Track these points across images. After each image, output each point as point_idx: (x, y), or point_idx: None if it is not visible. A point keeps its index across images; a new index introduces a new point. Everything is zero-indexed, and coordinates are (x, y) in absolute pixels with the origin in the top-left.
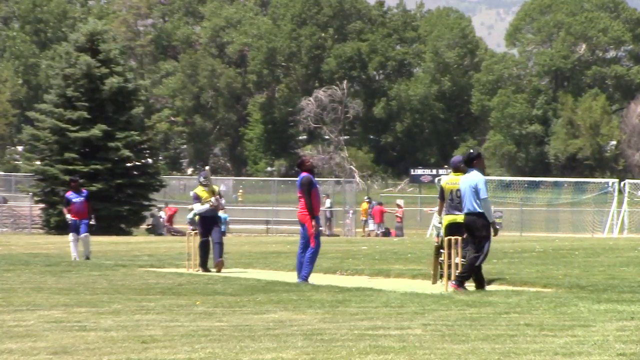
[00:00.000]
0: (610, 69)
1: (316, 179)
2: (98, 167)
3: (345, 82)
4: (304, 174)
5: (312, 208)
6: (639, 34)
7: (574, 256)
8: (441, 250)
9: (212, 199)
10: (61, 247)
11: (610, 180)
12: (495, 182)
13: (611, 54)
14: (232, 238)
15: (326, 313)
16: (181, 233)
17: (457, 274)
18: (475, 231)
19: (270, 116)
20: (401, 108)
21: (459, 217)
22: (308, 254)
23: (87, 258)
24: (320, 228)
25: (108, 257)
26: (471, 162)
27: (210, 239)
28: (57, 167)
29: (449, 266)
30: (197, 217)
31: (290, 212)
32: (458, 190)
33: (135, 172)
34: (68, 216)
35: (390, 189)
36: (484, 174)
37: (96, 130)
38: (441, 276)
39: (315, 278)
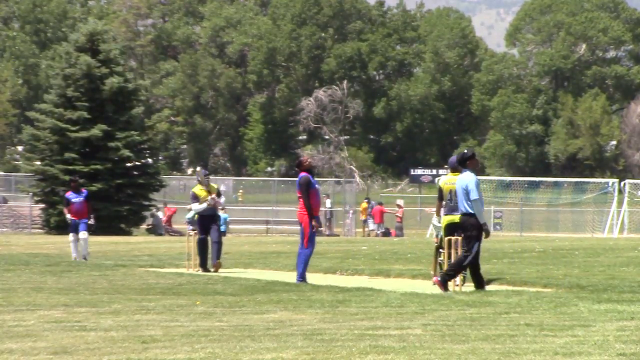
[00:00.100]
0: (610, 69)
1: (316, 179)
2: (98, 167)
3: (345, 82)
4: (302, 174)
5: (310, 208)
6: (639, 34)
7: (574, 256)
8: (441, 250)
9: (209, 197)
10: (61, 247)
11: (610, 180)
12: (495, 182)
13: (611, 54)
14: (232, 238)
15: (326, 313)
16: (179, 233)
17: (444, 271)
18: (465, 231)
19: (270, 116)
20: (401, 108)
21: (458, 217)
22: (301, 255)
23: (84, 258)
24: (321, 228)
25: (108, 257)
26: (464, 163)
27: (209, 237)
28: (57, 167)
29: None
30: (196, 216)
31: (290, 212)
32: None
33: (135, 172)
34: (68, 216)
35: (390, 189)
36: (477, 174)
37: (96, 130)
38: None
39: (315, 278)
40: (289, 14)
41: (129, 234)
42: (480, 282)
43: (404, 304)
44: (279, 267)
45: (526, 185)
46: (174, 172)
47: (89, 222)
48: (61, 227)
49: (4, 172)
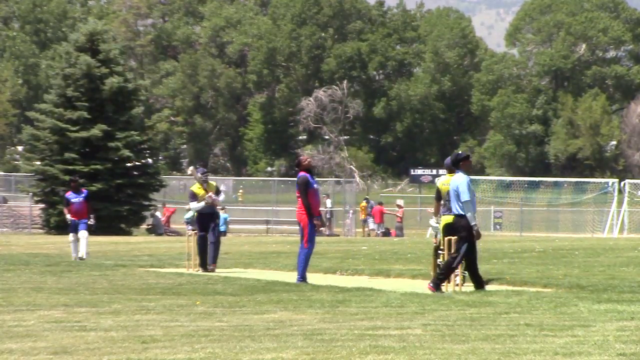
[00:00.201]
0: (610, 69)
1: (316, 179)
2: (98, 167)
3: (345, 82)
4: (301, 174)
5: (309, 207)
6: (639, 34)
7: (574, 256)
8: (439, 251)
9: (207, 195)
10: (61, 247)
11: (610, 180)
12: (495, 182)
13: (611, 54)
14: (232, 238)
15: (326, 313)
16: (177, 233)
17: (435, 275)
18: (456, 232)
19: (270, 116)
20: (401, 108)
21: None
22: (301, 255)
23: (81, 258)
24: (322, 228)
25: (108, 257)
26: (458, 164)
27: (208, 236)
28: (57, 167)
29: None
30: (195, 214)
31: (290, 212)
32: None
33: (135, 172)
34: (68, 216)
35: (390, 189)
36: (470, 175)
37: (96, 130)
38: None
39: (315, 278)
40: (289, 14)
41: (129, 234)
42: (479, 282)
43: (404, 304)
44: (279, 267)
45: (526, 185)
46: (174, 172)
47: (89, 222)
48: (61, 227)
49: (4, 172)
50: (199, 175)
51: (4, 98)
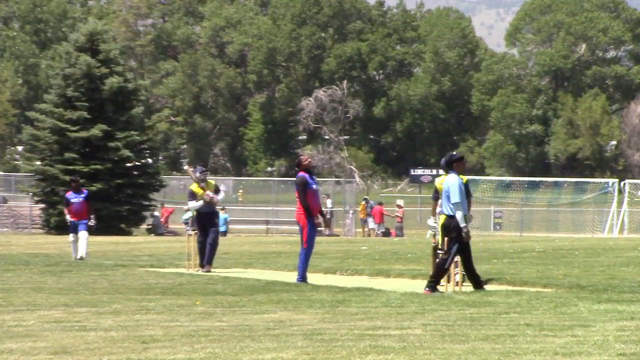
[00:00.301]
0: (610, 69)
1: (316, 179)
2: (98, 167)
3: (345, 82)
4: (300, 174)
5: (308, 207)
6: (639, 34)
7: (574, 256)
8: (438, 251)
9: (205, 194)
10: (61, 247)
11: (610, 180)
12: (495, 182)
13: (611, 54)
14: (232, 238)
15: (326, 313)
16: (174, 233)
17: (429, 279)
18: (447, 232)
19: (270, 116)
20: (401, 108)
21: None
22: (301, 256)
23: (81, 258)
24: (320, 228)
25: (108, 257)
26: (451, 165)
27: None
28: (57, 167)
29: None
30: (194, 213)
31: (290, 212)
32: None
33: (135, 172)
34: (68, 217)
35: (390, 189)
36: (464, 175)
37: (96, 130)
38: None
39: (315, 278)
40: (289, 14)
41: (129, 234)
42: (478, 282)
43: (404, 304)
44: (279, 267)
45: (526, 185)
46: (174, 172)
47: (90, 223)
48: (61, 227)
49: (4, 172)
50: (198, 174)
51: (4, 98)
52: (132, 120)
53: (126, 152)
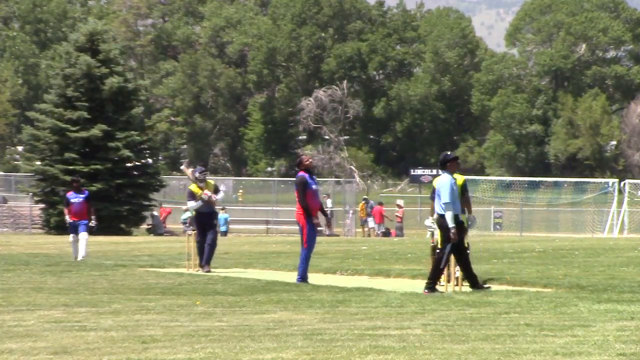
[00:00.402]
0: (610, 69)
1: (317, 179)
2: (98, 167)
3: (345, 82)
4: (300, 173)
5: (307, 207)
6: (639, 34)
7: (574, 256)
8: (437, 251)
9: (203, 193)
10: (61, 247)
11: (610, 180)
12: (495, 182)
13: (611, 54)
14: (232, 238)
15: (326, 313)
16: (171, 233)
17: (427, 281)
18: (441, 232)
19: (270, 116)
20: (401, 108)
21: None
22: (301, 256)
23: (79, 259)
24: (320, 228)
25: (108, 257)
26: (445, 165)
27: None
28: (57, 167)
29: (448, 266)
30: (193, 214)
31: (290, 212)
32: None
33: (135, 172)
34: (67, 217)
35: (390, 189)
36: (458, 174)
37: (96, 130)
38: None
39: (315, 278)
40: (289, 14)
41: (129, 234)
42: (474, 282)
43: (404, 304)
44: (279, 267)
45: (526, 185)
46: (174, 172)
47: (91, 224)
48: (61, 227)
49: (4, 172)
50: (197, 174)
51: (4, 98)
52: (132, 120)
53: (126, 152)
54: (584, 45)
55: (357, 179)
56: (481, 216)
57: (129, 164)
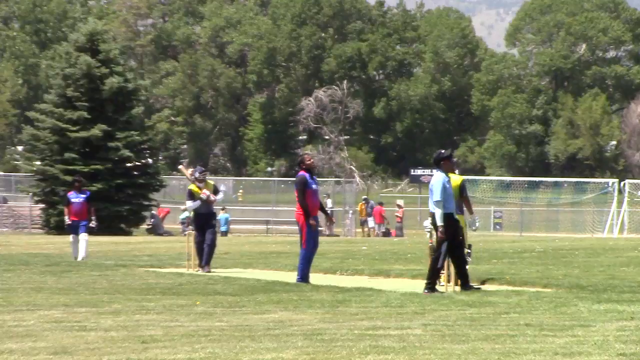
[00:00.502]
0: (610, 69)
1: (317, 179)
2: (98, 167)
3: (345, 82)
4: (300, 173)
5: (306, 207)
6: (639, 34)
7: (574, 256)
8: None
9: (202, 193)
10: (61, 247)
11: (610, 180)
12: (495, 182)
13: (611, 54)
14: (232, 238)
15: (326, 313)
16: (168, 233)
17: (425, 282)
18: (436, 231)
19: (270, 116)
20: (401, 108)
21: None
22: (300, 256)
23: (77, 259)
24: (320, 228)
25: (108, 257)
26: (439, 163)
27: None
28: (57, 167)
29: (447, 266)
30: (192, 214)
31: (290, 212)
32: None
33: (135, 172)
34: (66, 218)
35: (390, 189)
36: (452, 173)
37: (96, 130)
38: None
39: (315, 278)
40: (289, 14)
41: (129, 234)
42: (465, 282)
43: (404, 304)
44: (279, 267)
45: (526, 185)
46: (174, 172)
47: (91, 224)
48: (61, 227)
49: (4, 172)
50: (197, 174)
51: (4, 98)
52: (132, 120)
53: (126, 152)
54: (584, 45)
55: (357, 179)
56: (481, 216)
57: (129, 164)
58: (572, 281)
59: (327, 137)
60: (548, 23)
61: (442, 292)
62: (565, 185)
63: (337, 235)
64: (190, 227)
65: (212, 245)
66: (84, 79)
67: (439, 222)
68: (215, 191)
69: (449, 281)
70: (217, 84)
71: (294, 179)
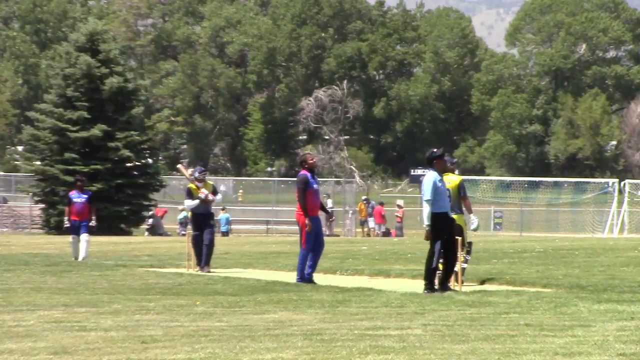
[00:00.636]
0: (610, 69)
1: (317, 179)
2: (98, 167)
3: (345, 82)
4: (302, 172)
5: (306, 207)
6: (639, 34)
7: (574, 256)
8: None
9: (200, 192)
10: (61, 247)
11: (610, 180)
12: (495, 182)
13: (611, 54)
14: (233, 238)
15: (326, 313)
16: (165, 234)
17: (424, 283)
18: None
19: (270, 116)
20: (401, 108)
21: (454, 217)
22: (299, 256)
23: (77, 259)
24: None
25: (108, 257)
26: (431, 162)
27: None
28: (57, 167)
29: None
30: (189, 214)
31: (290, 212)
32: (447, 190)
33: (135, 172)
34: (66, 218)
35: (390, 189)
36: (441, 174)
37: (96, 130)
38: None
39: (315, 278)
40: (289, 14)
41: (129, 234)
42: (446, 280)
43: (404, 304)
44: (279, 267)
45: (526, 185)
46: (174, 172)
47: (90, 223)
48: (61, 227)
49: (4, 172)
50: (197, 174)
51: (4, 98)
52: (132, 120)
53: (126, 152)
54: (584, 45)
55: (357, 179)
56: (481, 216)
57: (129, 164)
58: (572, 281)
59: (327, 137)
60: (548, 23)
61: (442, 292)
62: (565, 185)
63: (337, 235)
64: (189, 226)
65: (211, 245)
66: (84, 79)
67: (426, 222)
68: (214, 192)
69: (448, 280)
70: (217, 84)
71: (294, 178)
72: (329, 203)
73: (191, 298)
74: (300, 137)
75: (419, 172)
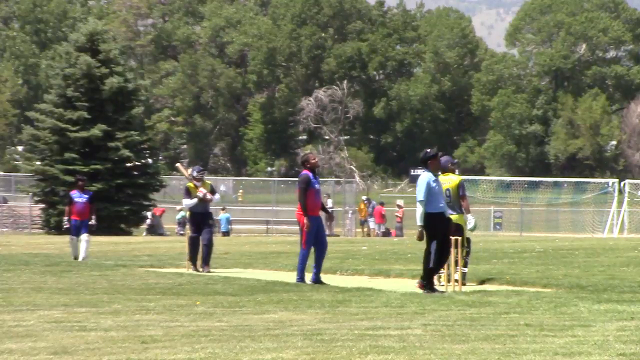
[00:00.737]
0: (610, 69)
1: (319, 179)
2: (98, 167)
3: (345, 82)
4: (303, 172)
5: (305, 206)
6: (639, 34)
7: (574, 256)
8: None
9: (198, 191)
10: (61, 247)
11: (610, 180)
12: (495, 182)
13: (611, 54)
14: (233, 238)
15: (326, 313)
16: (161, 234)
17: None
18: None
19: (270, 116)
20: (401, 108)
21: (452, 217)
22: (299, 256)
23: (76, 259)
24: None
25: (108, 257)
26: (425, 162)
27: (201, 237)
28: (57, 167)
29: (447, 266)
30: (187, 214)
31: (290, 212)
32: (447, 189)
33: (135, 172)
34: (65, 219)
35: (390, 189)
36: (436, 174)
37: (96, 130)
38: (440, 276)
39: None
40: (289, 14)
41: (129, 234)
42: (429, 279)
43: (404, 304)
44: (279, 267)
45: (526, 185)
46: (174, 172)
47: (90, 222)
48: (61, 227)
49: (4, 172)
50: (195, 174)
51: (4, 98)
52: (132, 120)
53: (126, 152)
54: (584, 45)
55: (357, 179)
56: (481, 216)
57: (129, 164)
58: (572, 281)
59: (327, 137)
60: (548, 23)
61: (442, 292)
62: (565, 185)
63: (337, 235)
64: (187, 226)
65: (210, 245)
66: (84, 79)
67: (419, 222)
68: (212, 192)
69: (449, 281)
70: (217, 84)
71: (294, 179)
72: (329, 203)
73: (191, 298)
74: (300, 137)
75: (419, 172)
